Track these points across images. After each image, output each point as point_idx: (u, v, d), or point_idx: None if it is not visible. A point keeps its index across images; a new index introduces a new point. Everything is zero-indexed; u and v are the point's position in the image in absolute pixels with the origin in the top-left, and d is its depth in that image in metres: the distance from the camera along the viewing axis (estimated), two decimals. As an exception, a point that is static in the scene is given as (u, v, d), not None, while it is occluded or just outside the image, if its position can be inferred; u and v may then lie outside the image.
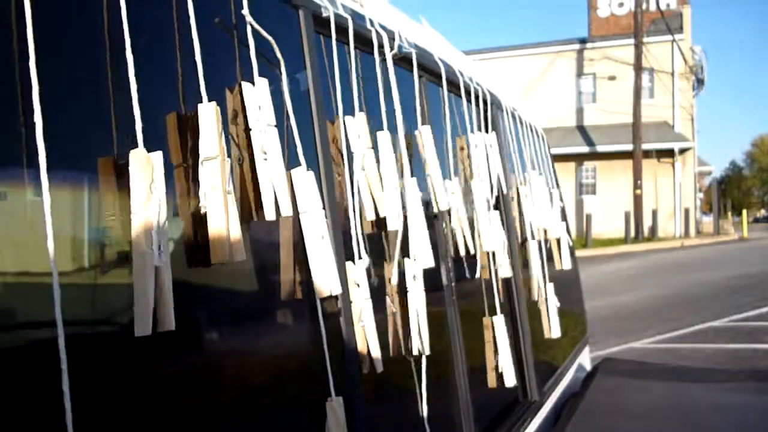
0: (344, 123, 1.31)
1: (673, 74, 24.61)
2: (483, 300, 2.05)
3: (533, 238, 2.54)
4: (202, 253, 0.90)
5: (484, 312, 2.03)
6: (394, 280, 1.40)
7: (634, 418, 1.99)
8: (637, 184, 21.87)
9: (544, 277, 2.57)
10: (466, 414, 1.79)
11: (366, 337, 1.24)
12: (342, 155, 1.31)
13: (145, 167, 0.78)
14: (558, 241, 2.96)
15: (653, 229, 22.65)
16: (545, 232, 2.77)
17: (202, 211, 0.90)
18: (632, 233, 21.53)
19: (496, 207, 2.18)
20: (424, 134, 1.66)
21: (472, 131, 2.03)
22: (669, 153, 23.76)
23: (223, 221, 0.89)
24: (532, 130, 2.89)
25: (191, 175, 0.91)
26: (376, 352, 1.25)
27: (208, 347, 0.96)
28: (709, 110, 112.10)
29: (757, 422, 1.68)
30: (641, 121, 21.78)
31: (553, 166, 3.28)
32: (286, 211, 1.02)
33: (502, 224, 2.18)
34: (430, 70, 1.80)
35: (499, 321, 2.00)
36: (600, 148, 23.88)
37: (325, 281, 1.09)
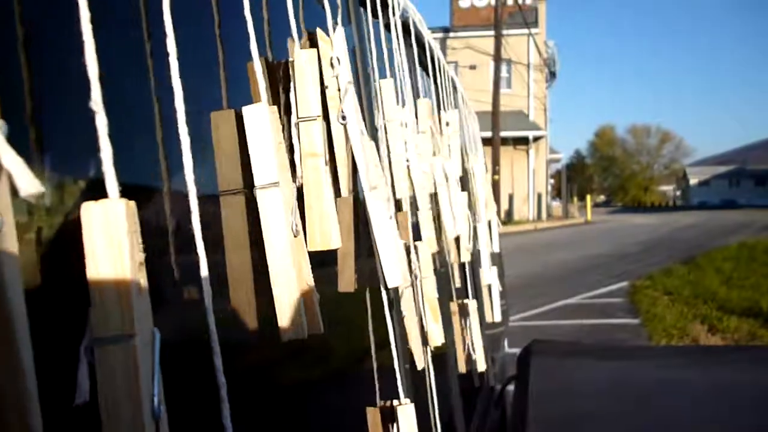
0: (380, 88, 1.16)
1: (528, 66, 26.00)
2: (450, 284, 1.97)
3: (481, 220, 2.50)
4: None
5: (451, 296, 1.96)
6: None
7: (590, 399, 1.97)
8: (495, 170, 22.89)
9: (490, 260, 2.54)
10: (451, 406, 1.70)
11: (407, 329, 1.11)
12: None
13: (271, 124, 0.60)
14: (489, 222, 2.95)
15: (510, 212, 23.91)
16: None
17: (297, 183, 0.73)
18: (491, 217, 22.58)
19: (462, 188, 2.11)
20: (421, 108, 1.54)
21: (445, 109, 1.93)
22: (524, 141, 25.13)
23: (324, 199, 0.73)
24: (470, 112, 2.85)
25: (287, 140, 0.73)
26: (417, 347, 1.12)
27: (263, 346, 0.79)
28: (560, 101, 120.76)
29: (709, 394, 1.72)
30: (500, 110, 22.81)
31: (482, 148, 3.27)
32: (368, 187, 0.87)
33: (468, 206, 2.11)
34: (418, 40, 1.68)
35: (473, 306, 1.93)
36: (461, 135, 24.73)
37: (395, 270, 0.94)
